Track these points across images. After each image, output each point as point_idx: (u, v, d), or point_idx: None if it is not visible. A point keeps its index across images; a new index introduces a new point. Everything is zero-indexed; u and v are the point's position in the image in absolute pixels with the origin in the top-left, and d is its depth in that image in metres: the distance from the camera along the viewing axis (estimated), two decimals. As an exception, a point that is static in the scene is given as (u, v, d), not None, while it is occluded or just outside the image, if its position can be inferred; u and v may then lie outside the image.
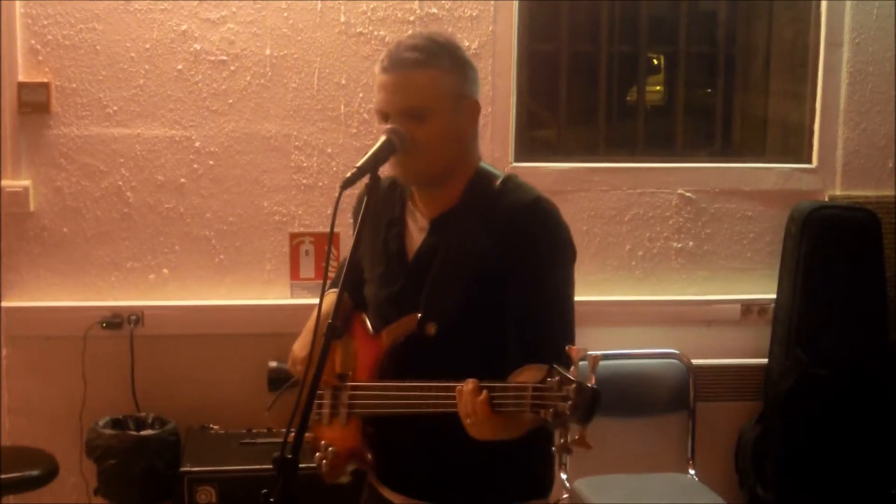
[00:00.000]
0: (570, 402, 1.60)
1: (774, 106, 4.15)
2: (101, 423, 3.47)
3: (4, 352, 3.62)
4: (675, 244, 3.92)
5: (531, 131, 4.00)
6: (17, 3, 3.51)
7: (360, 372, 2.06)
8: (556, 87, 3.99)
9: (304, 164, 3.69)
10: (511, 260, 1.94)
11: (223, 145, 3.65)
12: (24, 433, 3.59)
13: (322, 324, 1.86)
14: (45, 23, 3.53)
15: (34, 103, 3.53)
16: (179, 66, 3.60)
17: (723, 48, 4.12)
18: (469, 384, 1.76)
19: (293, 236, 3.72)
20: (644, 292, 3.91)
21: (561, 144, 4.06)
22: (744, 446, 3.87)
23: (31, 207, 3.58)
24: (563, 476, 3.62)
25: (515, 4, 3.74)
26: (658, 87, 4.22)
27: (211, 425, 3.57)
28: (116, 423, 3.49)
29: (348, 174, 1.89)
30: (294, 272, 3.72)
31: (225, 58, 3.62)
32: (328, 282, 2.21)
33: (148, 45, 3.58)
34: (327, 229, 3.59)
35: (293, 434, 1.80)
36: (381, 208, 2.12)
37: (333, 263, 3.20)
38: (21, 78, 3.53)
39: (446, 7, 3.69)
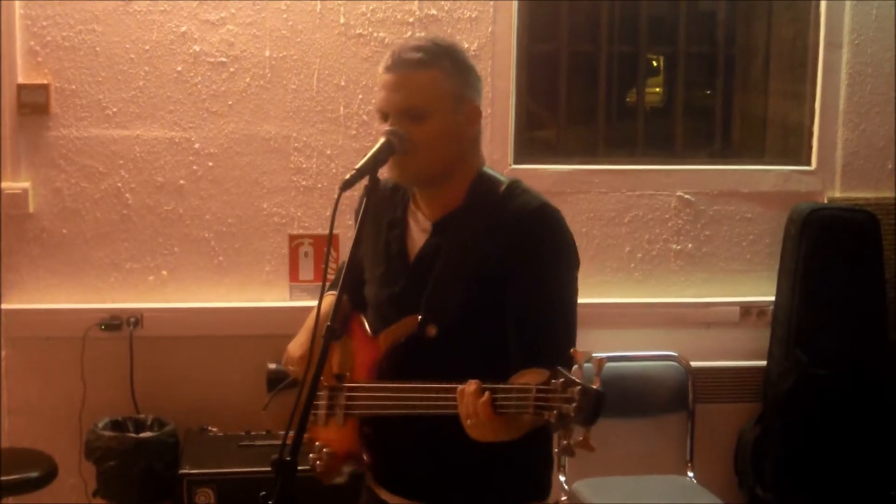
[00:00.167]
0: (574, 405, 1.59)
1: (774, 107, 4.15)
2: (100, 424, 3.47)
3: (4, 353, 3.62)
4: (674, 246, 3.92)
5: (531, 132, 4.00)
6: (17, 4, 3.51)
7: (358, 373, 2.05)
8: (556, 87, 3.99)
9: (304, 166, 3.69)
10: (513, 261, 1.94)
11: (222, 147, 3.65)
12: (24, 434, 3.59)
13: (321, 325, 1.86)
14: (45, 24, 3.53)
15: (34, 105, 3.53)
16: (179, 68, 3.60)
17: (722, 49, 4.11)
18: (471, 385, 1.75)
19: (292, 238, 3.71)
20: (643, 294, 3.91)
21: (560, 145, 4.05)
22: (743, 447, 3.87)
23: (31, 209, 3.58)
24: (562, 478, 3.62)
25: (515, 5, 3.74)
26: (657, 89, 4.21)
27: (210, 427, 3.57)
28: (115, 425, 3.49)
29: (348, 176, 1.89)
30: (293, 274, 3.72)
31: (224, 59, 3.62)
32: (327, 283, 2.21)
33: (147, 47, 3.58)
34: (326, 231, 3.56)
35: (292, 436, 1.79)
36: (382, 209, 2.12)
37: (332, 265, 3.20)
38: (20, 79, 3.53)
39: (445, 8, 3.69)
